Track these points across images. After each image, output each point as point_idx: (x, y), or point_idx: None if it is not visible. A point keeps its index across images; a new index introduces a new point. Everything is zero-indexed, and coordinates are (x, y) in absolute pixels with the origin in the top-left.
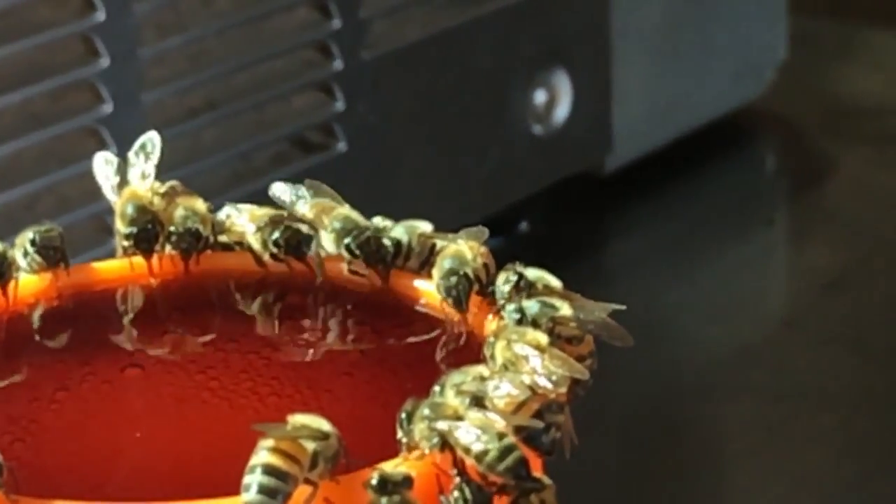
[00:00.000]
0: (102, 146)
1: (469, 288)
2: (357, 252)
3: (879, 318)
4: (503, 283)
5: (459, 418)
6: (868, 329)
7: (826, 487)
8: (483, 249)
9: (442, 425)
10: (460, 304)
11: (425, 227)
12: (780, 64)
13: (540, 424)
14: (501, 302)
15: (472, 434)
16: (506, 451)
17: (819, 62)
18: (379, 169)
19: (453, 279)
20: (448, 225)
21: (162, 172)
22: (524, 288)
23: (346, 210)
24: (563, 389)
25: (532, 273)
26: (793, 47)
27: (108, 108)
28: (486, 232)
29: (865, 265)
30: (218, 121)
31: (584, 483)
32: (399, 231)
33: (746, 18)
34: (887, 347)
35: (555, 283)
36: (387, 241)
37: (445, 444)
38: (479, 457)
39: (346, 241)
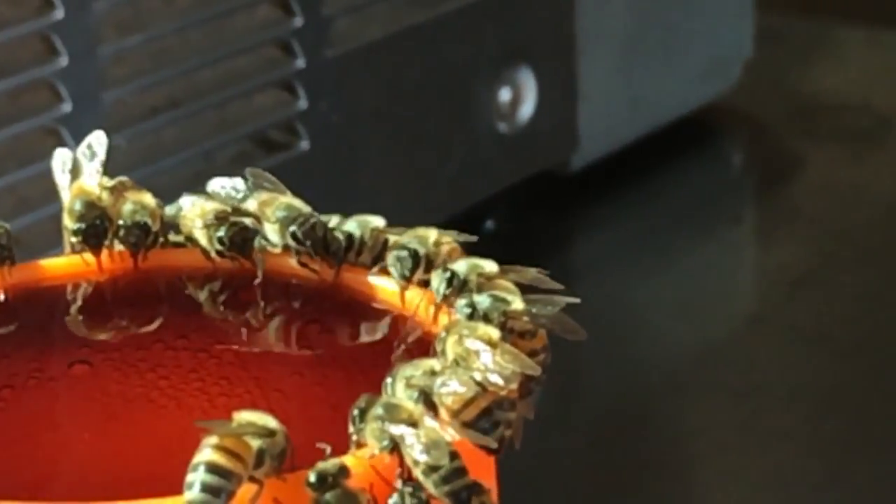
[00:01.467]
0: (62, 146)
1: (415, 265)
2: (303, 239)
3: (846, 315)
4: (437, 283)
5: (414, 423)
6: (835, 326)
7: (793, 484)
8: (451, 241)
9: (395, 430)
10: (404, 276)
11: (378, 221)
12: (747, 61)
13: (493, 444)
14: (439, 301)
15: (424, 447)
16: (454, 474)
17: (786, 59)
18: (342, 167)
19: (403, 252)
20: (412, 224)
21: (122, 172)
22: (457, 286)
23: (288, 199)
24: (514, 386)
25: (462, 267)
26: (759, 44)
27: (67, 107)
28: (465, 236)
29: (832, 262)
30: (179, 120)
31: (550, 479)
32: (351, 225)
33: (712, 16)
34: (854, 344)
35: (489, 267)
36: (339, 235)
37: (396, 447)
38: (427, 472)
39: (292, 228)
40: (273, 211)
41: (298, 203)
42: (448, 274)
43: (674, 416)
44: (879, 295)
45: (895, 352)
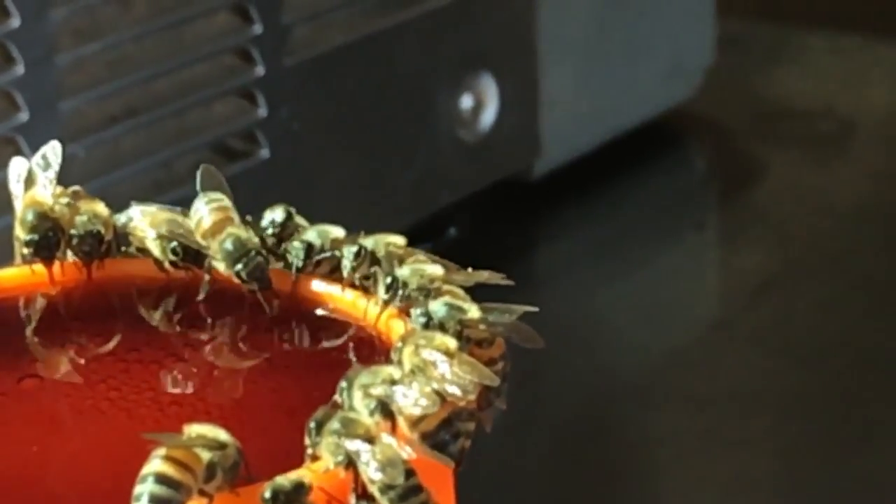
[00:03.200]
0: (19, 155)
1: (356, 257)
2: (247, 280)
3: (810, 321)
4: (379, 288)
5: (371, 439)
6: (798, 332)
7: (757, 492)
8: (418, 254)
9: (351, 446)
10: (345, 270)
11: (338, 231)
12: (709, 66)
13: (451, 463)
14: (379, 306)
15: (380, 464)
16: (410, 492)
17: (747, 64)
18: (303, 176)
19: (353, 248)
20: (373, 232)
21: (81, 181)
22: (395, 291)
23: (234, 229)
24: (473, 396)
25: (405, 272)
26: (721, 50)
27: (24, 116)
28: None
29: (795, 268)
30: (138, 128)
31: (514, 488)
32: (311, 235)
33: (674, 21)
34: (818, 350)
35: (432, 270)
36: (298, 244)
37: (351, 462)
38: (383, 489)
39: (237, 268)
40: (220, 244)
41: (244, 234)
42: (389, 279)
43: (637, 423)
44: (843, 301)
45: (859, 358)
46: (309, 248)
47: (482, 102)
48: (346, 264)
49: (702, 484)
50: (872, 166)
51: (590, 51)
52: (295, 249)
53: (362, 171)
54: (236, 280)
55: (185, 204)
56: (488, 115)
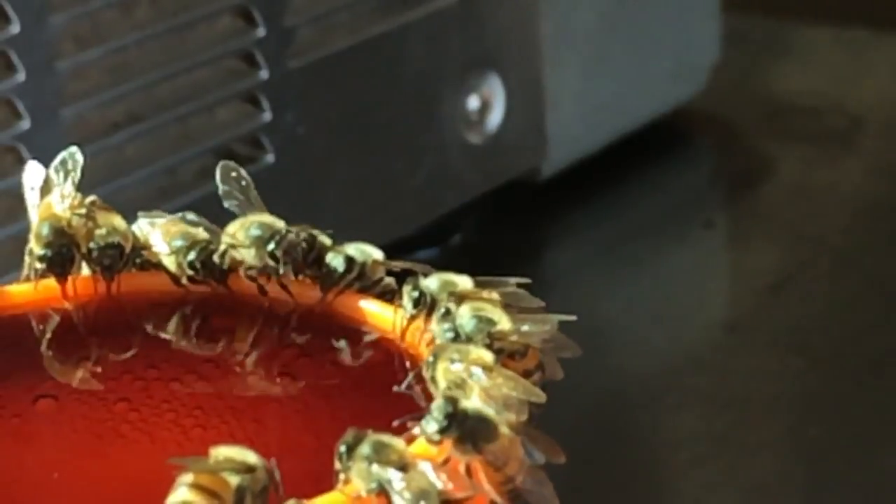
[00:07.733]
0: (20, 164)
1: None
2: (283, 259)
3: (823, 320)
4: (405, 301)
5: (404, 467)
6: (812, 331)
7: (775, 495)
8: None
9: (383, 473)
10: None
11: (377, 253)
12: (715, 63)
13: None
14: (406, 321)
15: (413, 496)
16: None
17: (754, 61)
18: (308, 180)
19: (413, 295)
20: (380, 236)
21: (84, 189)
22: (425, 304)
23: (258, 216)
24: (525, 417)
25: (433, 283)
26: (726, 46)
27: (25, 124)
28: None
29: (807, 266)
30: (141, 135)
31: None
32: (352, 250)
33: (679, 18)
34: (832, 350)
35: (463, 283)
36: (339, 257)
37: (384, 489)
38: None
39: (270, 247)
40: (246, 231)
41: (269, 219)
42: (416, 293)
43: (650, 426)
44: (857, 298)
45: (874, 356)
46: (350, 263)
47: (488, 103)
48: (407, 307)
49: (718, 488)
50: (882, 161)
51: (595, 50)
52: (335, 261)
53: (368, 174)
54: (270, 261)
55: (191, 210)
56: (495, 117)
